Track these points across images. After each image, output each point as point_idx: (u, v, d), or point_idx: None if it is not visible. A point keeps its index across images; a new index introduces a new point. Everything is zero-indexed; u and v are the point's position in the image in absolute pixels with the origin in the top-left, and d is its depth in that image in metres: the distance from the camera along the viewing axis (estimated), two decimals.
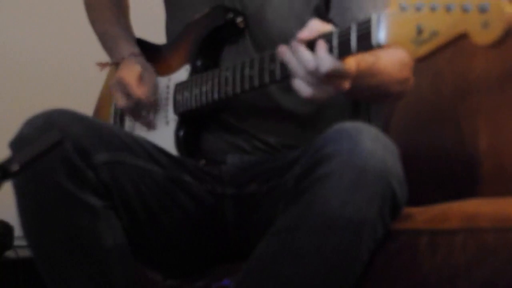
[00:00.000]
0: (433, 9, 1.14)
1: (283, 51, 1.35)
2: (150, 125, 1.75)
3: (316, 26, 1.35)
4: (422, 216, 1.40)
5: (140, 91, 1.71)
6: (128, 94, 1.72)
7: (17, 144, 1.45)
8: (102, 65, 1.89)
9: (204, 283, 1.63)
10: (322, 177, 1.32)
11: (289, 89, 1.58)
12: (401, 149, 1.38)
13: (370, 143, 1.32)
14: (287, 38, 1.40)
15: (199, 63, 1.69)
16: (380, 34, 1.22)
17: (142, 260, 1.63)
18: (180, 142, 1.68)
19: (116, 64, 1.80)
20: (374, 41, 1.24)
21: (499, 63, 1.78)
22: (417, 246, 1.34)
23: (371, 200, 1.31)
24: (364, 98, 1.55)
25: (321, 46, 1.30)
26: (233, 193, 1.62)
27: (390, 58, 1.47)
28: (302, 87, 1.34)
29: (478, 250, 1.27)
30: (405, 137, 1.87)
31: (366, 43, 1.26)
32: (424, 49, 1.16)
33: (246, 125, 1.65)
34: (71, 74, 2.81)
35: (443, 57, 1.76)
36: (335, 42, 1.30)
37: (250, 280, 1.40)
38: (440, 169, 1.82)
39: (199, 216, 1.61)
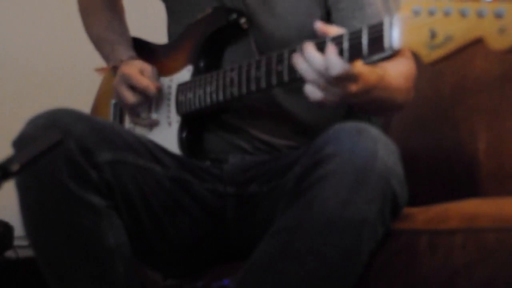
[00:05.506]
0: (447, 14, 1.15)
1: (295, 55, 1.36)
2: (152, 126, 1.75)
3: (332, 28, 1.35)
4: (422, 216, 1.40)
5: (144, 80, 1.70)
6: (133, 87, 1.71)
7: (20, 143, 1.45)
8: (100, 70, 1.88)
9: (204, 283, 1.63)
10: (323, 178, 1.32)
11: (291, 91, 1.59)
12: (401, 149, 1.38)
13: (371, 143, 1.32)
14: (287, 46, 1.40)
15: (201, 64, 1.68)
16: (393, 37, 1.23)
17: (143, 259, 1.63)
18: (183, 142, 1.67)
19: (114, 68, 1.79)
20: (386, 44, 1.25)
21: (499, 63, 1.78)
22: (417, 246, 1.34)
23: (371, 201, 1.31)
24: (371, 110, 1.55)
25: (331, 49, 1.31)
26: (234, 193, 1.62)
27: (396, 71, 1.48)
28: (312, 90, 1.34)
29: (478, 250, 1.27)
30: (405, 137, 1.88)
31: (378, 46, 1.26)
32: (437, 54, 1.16)
33: (247, 126, 1.65)
34: (72, 74, 2.81)
35: None
36: (345, 44, 1.30)
37: (250, 280, 1.40)
38: (440, 169, 1.82)
39: (201, 215, 1.61)
